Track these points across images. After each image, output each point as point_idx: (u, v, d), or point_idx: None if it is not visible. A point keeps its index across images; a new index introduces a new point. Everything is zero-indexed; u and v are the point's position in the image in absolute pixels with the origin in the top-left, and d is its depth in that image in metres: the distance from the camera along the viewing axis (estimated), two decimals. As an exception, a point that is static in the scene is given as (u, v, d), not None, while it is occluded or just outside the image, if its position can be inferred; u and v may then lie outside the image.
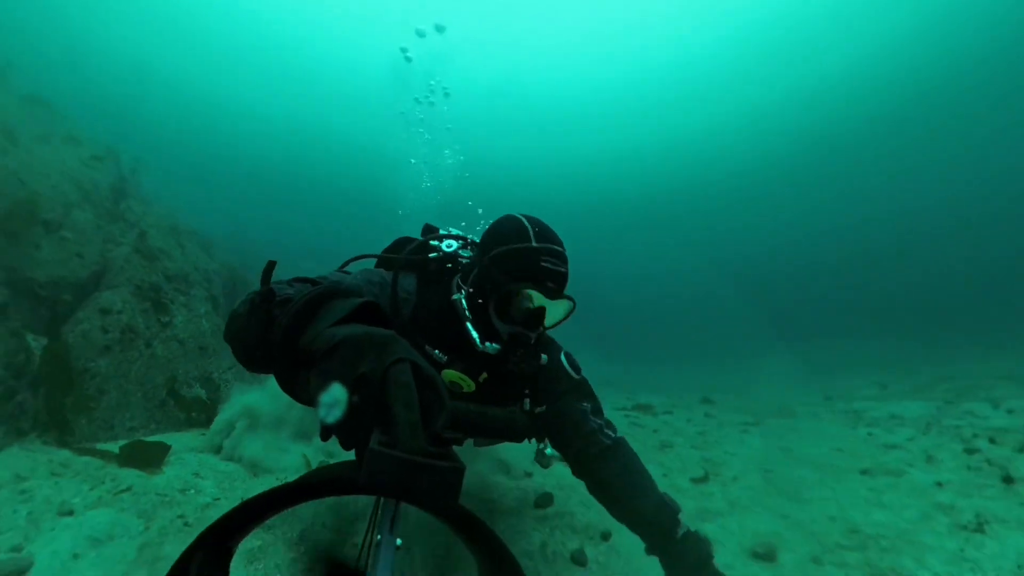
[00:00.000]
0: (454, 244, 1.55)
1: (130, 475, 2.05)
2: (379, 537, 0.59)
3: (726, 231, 33.60)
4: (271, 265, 0.90)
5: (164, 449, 2.30)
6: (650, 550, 1.40)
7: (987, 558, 1.96)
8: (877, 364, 8.88)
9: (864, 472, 2.99)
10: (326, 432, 0.58)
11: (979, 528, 2.22)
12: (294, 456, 2.57)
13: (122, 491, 1.88)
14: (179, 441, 2.70)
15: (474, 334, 1.33)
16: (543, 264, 1.30)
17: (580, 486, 1.54)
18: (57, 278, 3.47)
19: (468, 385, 1.38)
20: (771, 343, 12.42)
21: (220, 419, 3.03)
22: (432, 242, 1.57)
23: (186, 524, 1.69)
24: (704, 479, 2.78)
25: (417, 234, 1.75)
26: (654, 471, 1.53)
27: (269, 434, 2.83)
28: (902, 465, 3.09)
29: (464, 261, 1.52)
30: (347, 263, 1.66)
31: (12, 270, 3.15)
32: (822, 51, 22.81)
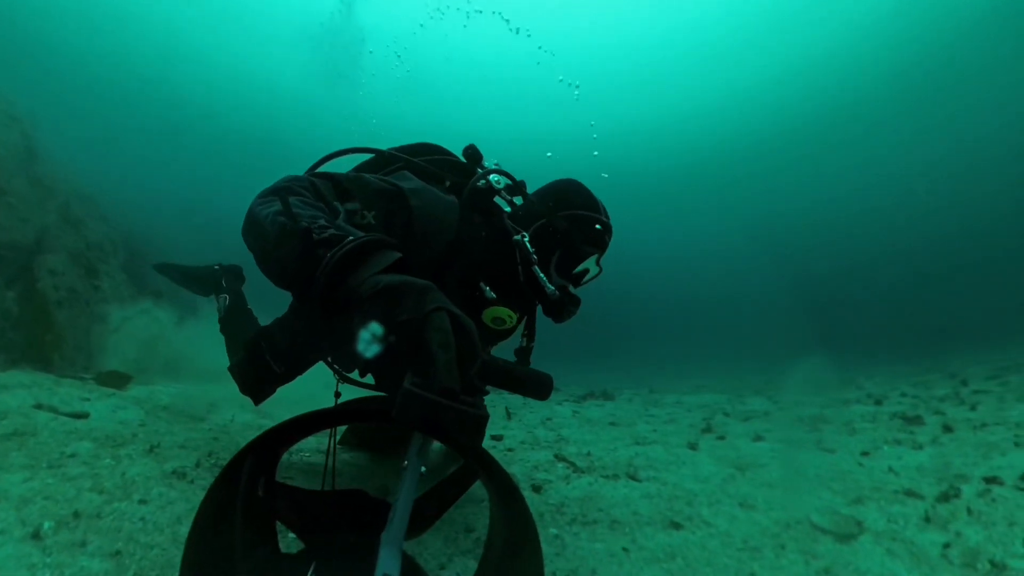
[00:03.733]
0: (502, 180, 1.51)
1: (108, 391, 3.10)
2: (406, 463, 0.64)
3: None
4: (292, 180, 0.98)
5: (128, 377, 3.34)
6: None
7: (609, 445, 3.37)
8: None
9: (611, 424, 4.54)
10: (365, 367, 0.66)
11: (640, 443, 3.59)
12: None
13: (110, 396, 2.96)
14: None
15: (542, 278, 1.42)
16: (605, 238, 1.52)
17: None
18: (12, 241, 4.17)
19: (511, 321, 1.45)
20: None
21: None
22: (480, 170, 1.53)
23: (165, 408, 2.83)
24: (506, 416, 4.32)
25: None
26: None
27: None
28: (640, 423, 4.62)
29: (507, 200, 1.54)
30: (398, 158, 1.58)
31: (-21, 233, 3.85)
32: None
